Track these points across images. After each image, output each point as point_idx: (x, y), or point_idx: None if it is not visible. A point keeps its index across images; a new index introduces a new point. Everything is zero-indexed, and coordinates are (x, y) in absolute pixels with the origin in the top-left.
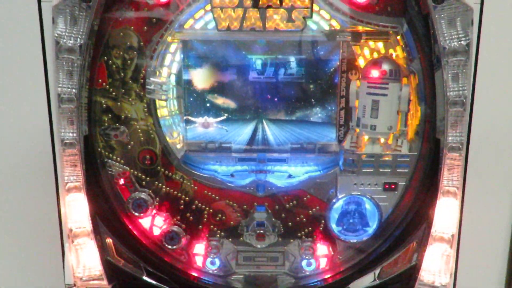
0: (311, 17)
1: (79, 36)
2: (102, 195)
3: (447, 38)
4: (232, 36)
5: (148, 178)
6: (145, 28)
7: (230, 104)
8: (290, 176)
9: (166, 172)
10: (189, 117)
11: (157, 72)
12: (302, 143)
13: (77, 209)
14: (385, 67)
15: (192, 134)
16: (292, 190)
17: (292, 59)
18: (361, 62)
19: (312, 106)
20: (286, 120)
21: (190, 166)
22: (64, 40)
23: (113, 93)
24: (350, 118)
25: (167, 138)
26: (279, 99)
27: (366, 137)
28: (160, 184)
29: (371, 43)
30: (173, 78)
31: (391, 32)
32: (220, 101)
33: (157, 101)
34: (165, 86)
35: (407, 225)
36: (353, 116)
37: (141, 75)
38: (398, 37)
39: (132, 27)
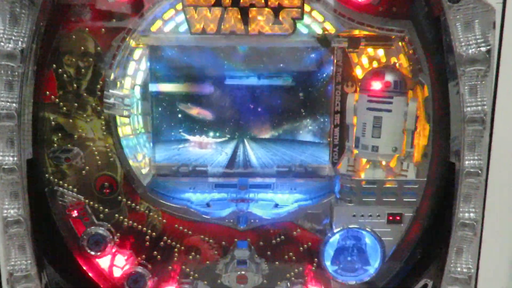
0: (301, 18)
1: (21, 39)
2: (50, 230)
3: (463, 43)
4: (208, 41)
5: (106, 209)
6: (103, 30)
7: (206, 120)
8: (276, 205)
9: (129, 202)
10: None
11: (118, 83)
12: (290, 165)
13: (19, 248)
14: (389, 78)
15: (162, 156)
16: (279, 223)
17: (279, 69)
18: (358, 72)
19: (301, 123)
20: (272, 139)
21: (158, 194)
22: (2, 44)
23: (65, 108)
24: (347, 137)
25: (131, 162)
26: (264, 115)
27: (364, 160)
28: (121, 217)
29: (370, 49)
30: (137, 90)
31: (393, 37)
32: (194, 117)
33: (118, 118)
34: (127, 99)
35: (415, 264)
36: (350, 135)
37: (99, 86)
38: (403, 43)
39: (87, 29)
